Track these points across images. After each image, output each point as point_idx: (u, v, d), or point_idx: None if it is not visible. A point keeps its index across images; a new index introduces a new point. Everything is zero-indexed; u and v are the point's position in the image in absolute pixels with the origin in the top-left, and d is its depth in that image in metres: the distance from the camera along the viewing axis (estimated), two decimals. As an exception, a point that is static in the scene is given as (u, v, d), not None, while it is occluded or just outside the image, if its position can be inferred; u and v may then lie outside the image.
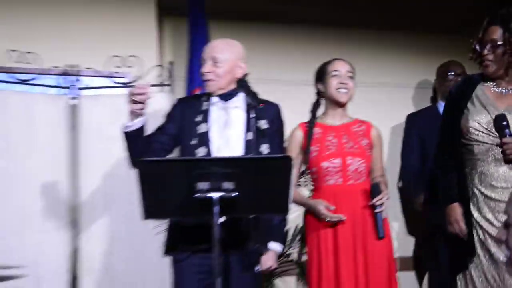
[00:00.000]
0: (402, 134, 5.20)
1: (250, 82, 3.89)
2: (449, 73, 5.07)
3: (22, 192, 4.51)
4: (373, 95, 5.51)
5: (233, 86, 3.90)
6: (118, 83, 4.84)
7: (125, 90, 4.64)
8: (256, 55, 4.83)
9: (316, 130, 4.02)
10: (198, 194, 3.13)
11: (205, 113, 3.99)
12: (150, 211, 3.37)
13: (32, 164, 4.58)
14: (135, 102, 3.62)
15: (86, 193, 4.71)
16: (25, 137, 4.66)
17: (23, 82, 4.78)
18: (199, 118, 3.96)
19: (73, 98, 4.80)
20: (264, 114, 3.91)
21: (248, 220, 3.86)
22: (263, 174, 3.26)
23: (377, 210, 3.83)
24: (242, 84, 3.79)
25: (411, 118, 5.22)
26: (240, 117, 3.94)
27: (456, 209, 3.66)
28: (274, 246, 3.87)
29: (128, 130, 3.71)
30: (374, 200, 3.82)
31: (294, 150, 4.11)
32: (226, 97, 3.92)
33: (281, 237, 3.94)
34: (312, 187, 4.17)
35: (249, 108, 3.90)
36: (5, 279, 3.74)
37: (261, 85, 4.04)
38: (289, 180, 3.29)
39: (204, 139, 3.95)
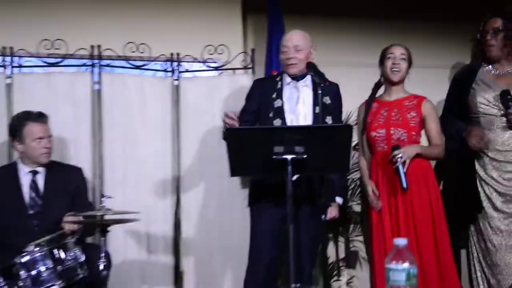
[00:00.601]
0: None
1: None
2: None
3: (138, 154, 4.62)
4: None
5: (304, 68, 3.75)
6: (211, 67, 4.89)
7: (216, 73, 5.00)
8: (322, 43, 4.64)
9: (374, 105, 3.88)
10: (275, 156, 3.15)
11: (280, 91, 3.92)
12: (236, 170, 3.45)
13: (145, 132, 4.68)
14: (227, 121, 3.70)
15: (186, 156, 4.75)
16: (139, 111, 4.73)
17: (137, 67, 4.83)
18: (274, 95, 3.91)
19: (176, 80, 4.83)
20: (327, 92, 3.80)
21: (315, 178, 3.80)
22: (328, 140, 3.27)
23: (395, 165, 3.65)
24: (311, 66, 3.62)
25: None
26: (308, 94, 3.88)
27: (471, 128, 3.64)
28: (337, 200, 3.80)
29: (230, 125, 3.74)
30: (390, 156, 3.67)
31: (359, 122, 4.01)
32: (298, 77, 3.85)
33: (343, 192, 3.86)
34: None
35: (316, 86, 3.73)
36: (124, 221, 3.80)
37: (329, 67, 3.93)
38: (349, 145, 3.30)
39: (279, 112, 3.90)
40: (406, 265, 1.92)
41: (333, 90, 3.92)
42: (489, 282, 3.55)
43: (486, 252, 3.57)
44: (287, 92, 3.90)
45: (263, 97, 3.96)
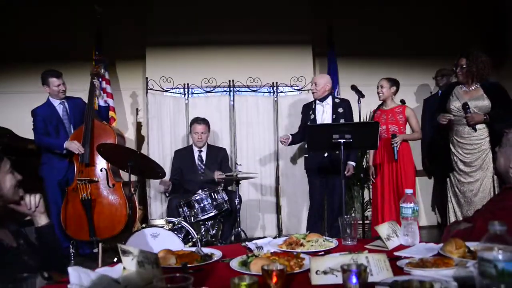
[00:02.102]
0: None
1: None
2: None
3: (254, 141, 4.84)
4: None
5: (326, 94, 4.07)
6: (295, 89, 5.10)
7: (298, 93, 5.02)
8: (362, 72, 4.97)
9: (378, 112, 4.02)
10: (333, 140, 3.23)
11: (314, 109, 4.08)
12: (311, 148, 3.60)
13: (259, 128, 4.88)
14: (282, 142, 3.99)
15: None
16: (255, 116, 4.95)
17: (254, 91, 5.05)
18: (311, 112, 4.11)
19: (275, 97, 4.98)
20: (341, 105, 3.99)
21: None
22: (364, 130, 3.32)
23: (393, 146, 3.79)
24: (353, 87, 3.86)
25: None
26: (329, 108, 4.02)
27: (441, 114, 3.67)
28: (351, 163, 3.99)
29: (284, 145, 4.03)
30: (392, 141, 3.82)
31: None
32: (321, 99, 4.05)
33: (355, 159, 4.03)
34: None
35: (334, 102, 3.99)
36: (248, 178, 4.02)
37: (365, 87, 4.04)
38: (377, 132, 3.35)
39: (313, 121, 4.04)
40: (412, 204, 1.83)
41: (345, 104, 4.08)
42: (456, 214, 3.50)
43: (456, 195, 3.52)
44: (317, 108, 4.11)
45: (305, 113, 4.22)
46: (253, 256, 1.62)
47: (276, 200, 4.94)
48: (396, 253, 1.64)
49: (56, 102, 4.09)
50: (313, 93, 4.08)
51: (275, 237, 2.01)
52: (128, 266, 1.30)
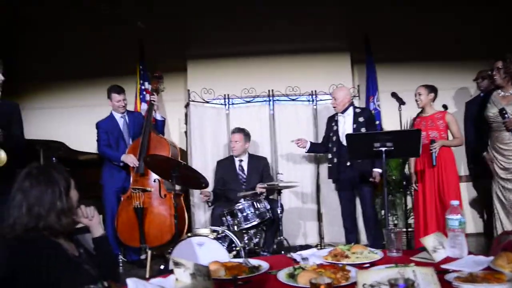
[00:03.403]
0: None
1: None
2: None
3: (294, 148, 4.57)
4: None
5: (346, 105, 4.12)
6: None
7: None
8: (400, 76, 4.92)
9: (417, 120, 3.97)
10: (374, 148, 3.21)
11: (336, 120, 4.16)
12: (352, 156, 3.59)
13: (298, 135, 4.50)
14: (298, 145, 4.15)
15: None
16: (294, 123, 4.93)
17: (293, 99, 5.05)
18: (333, 123, 4.18)
19: (315, 106, 4.98)
20: (362, 114, 4.02)
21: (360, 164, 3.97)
22: (405, 138, 3.29)
23: (431, 151, 3.75)
24: (393, 94, 3.88)
25: None
26: (350, 118, 4.05)
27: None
28: (378, 170, 3.95)
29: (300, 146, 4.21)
30: (430, 146, 3.76)
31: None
32: (343, 111, 4.10)
33: (380, 166, 3.85)
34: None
35: (354, 113, 4.06)
36: (290, 187, 4.13)
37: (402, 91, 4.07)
38: (419, 140, 3.27)
39: (335, 132, 4.11)
40: (458, 216, 1.81)
41: (366, 113, 4.12)
42: (502, 222, 3.62)
43: (501, 202, 3.45)
44: (339, 119, 4.18)
45: (329, 125, 4.28)
46: (299, 268, 1.64)
47: (317, 207, 4.90)
48: (443, 266, 1.60)
49: (117, 116, 4.30)
50: (334, 107, 4.11)
51: (316, 245, 2.03)
52: (180, 278, 1.34)
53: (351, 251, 1.85)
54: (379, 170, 3.93)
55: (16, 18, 5.22)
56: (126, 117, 4.35)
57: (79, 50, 5.26)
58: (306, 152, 4.49)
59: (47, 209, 1.66)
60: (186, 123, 5.17)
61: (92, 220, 1.85)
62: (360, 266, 1.67)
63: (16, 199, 1.69)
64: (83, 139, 4.70)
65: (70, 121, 5.20)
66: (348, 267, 1.60)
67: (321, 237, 4.84)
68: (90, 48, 5.21)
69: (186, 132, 5.19)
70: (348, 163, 3.94)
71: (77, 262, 1.69)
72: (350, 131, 4.01)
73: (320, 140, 4.76)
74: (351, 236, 4.12)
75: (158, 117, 4.41)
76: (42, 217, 1.65)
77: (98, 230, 1.87)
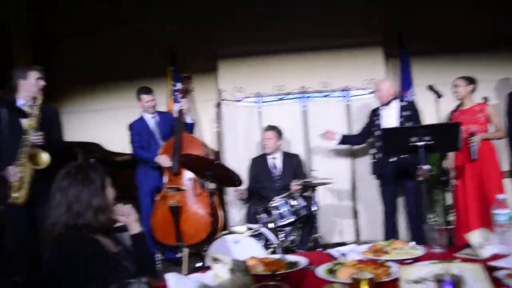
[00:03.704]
0: None
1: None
2: None
3: (327, 144, 4.71)
4: None
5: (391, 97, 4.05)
6: (367, 92, 4.85)
7: (371, 95, 4.74)
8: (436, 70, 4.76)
9: (456, 113, 3.86)
10: (411, 143, 3.11)
11: (378, 114, 4.10)
12: (388, 152, 3.59)
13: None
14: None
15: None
16: (326, 120, 4.79)
17: (325, 96, 4.95)
18: (376, 116, 4.11)
19: (347, 101, 4.88)
20: (407, 108, 3.92)
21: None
22: (444, 131, 3.18)
23: (470, 145, 3.65)
24: (430, 87, 3.71)
25: None
26: (394, 112, 3.97)
27: None
28: (425, 167, 3.61)
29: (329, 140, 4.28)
30: (469, 140, 3.67)
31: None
32: (387, 104, 4.03)
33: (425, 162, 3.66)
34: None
35: (399, 107, 3.97)
36: (325, 184, 3.90)
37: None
38: (458, 133, 3.16)
39: (378, 126, 4.05)
40: (506, 210, 1.77)
41: (412, 106, 4.01)
42: None
43: None
44: (382, 112, 4.13)
45: (371, 118, 4.24)
46: (339, 264, 1.62)
47: (353, 204, 4.85)
48: (491, 263, 1.54)
49: (148, 117, 4.36)
50: (378, 99, 4.04)
51: (353, 243, 1.99)
52: (219, 273, 1.36)
53: (391, 247, 1.82)
54: (428, 167, 3.69)
55: (50, 25, 5.33)
56: (157, 117, 4.40)
57: (112, 54, 5.28)
58: (338, 144, 4.41)
59: (84, 207, 1.70)
60: (217, 123, 5.18)
61: (129, 217, 1.87)
62: (401, 262, 1.63)
63: (55, 198, 1.74)
64: (117, 140, 4.76)
65: (105, 123, 5.28)
66: (389, 263, 1.57)
67: (357, 234, 4.79)
68: (122, 51, 5.23)
69: (218, 132, 5.18)
70: (394, 158, 3.79)
71: (116, 258, 1.72)
72: (394, 125, 3.88)
73: (352, 133, 4.70)
74: (392, 234, 3.99)
75: (188, 120, 4.41)
76: (80, 215, 1.70)
77: (135, 227, 1.89)
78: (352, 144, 4.52)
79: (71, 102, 5.53)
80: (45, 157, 3.13)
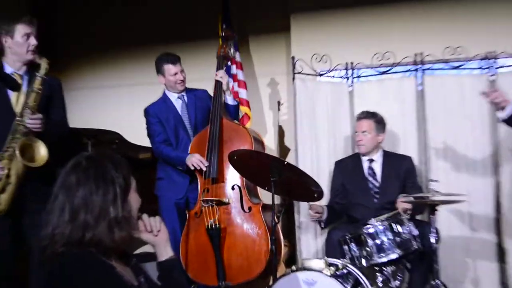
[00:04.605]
0: None
1: None
2: None
3: (458, 143, 4.55)
4: None
5: None
6: None
7: None
8: None
9: None
10: None
11: None
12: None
13: (464, 124, 4.57)
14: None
15: (504, 142, 4.45)
16: (458, 106, 4.63)
17: (455, 68, 4.75)
18: None
19: (492, 75, 4.60)
20: None
21: None
22: None
23: None
24: None
25: None
26: None
27: None
28: None
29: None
30: None
31: None
32: None
33: None
34: None
35: None
36: (450, 202, 3.75)
37: None
38: None
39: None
40: None
41: None
42: None
43: None
44: None
45: None
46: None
47: (497, 239, 4.46)
48: None
49: (173, 97, 4.22)
50: None
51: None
52: None
53: None
54: None
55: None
56: (186, 98, 4.27)
57: (135, 5, 5.47)
58: (505, 121, 3.82)
59: (96, 215, 1.67)
60: (287, 107, 5.09)
61: (157, 235, 1.86)
62: None
63: (57, 200, 1.72)
64: (142, 129, 4.59)
65: (127, 104, 5.35)
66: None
67: (504, 286, 4.42)
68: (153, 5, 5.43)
69: (286, 121, 5.15)
70: None
71: (134, 292, 1.78)
72: None
73: (502, 131, 4.37)
74: None
75: (229, 100, 4.25)
76: (89, 226, 1.66)
77: (166, 250, 1.88)
78: None
79: (79, 75, 5.67)
80: (43, 151, 3.10)
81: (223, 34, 4.52)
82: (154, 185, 4.23)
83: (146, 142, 4.58)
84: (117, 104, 5.55)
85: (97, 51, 5.77)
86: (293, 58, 4.87)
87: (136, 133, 4.73)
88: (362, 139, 4.15)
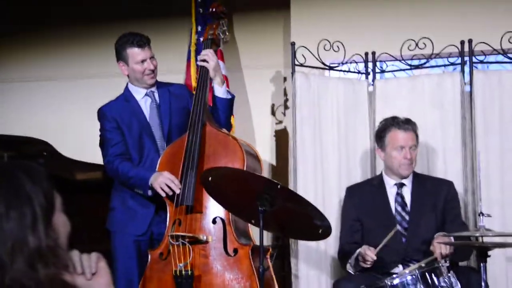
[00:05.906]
0: None
1: None
2: None
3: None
4: None
5: None
6: None
7: None
8: None
9: None
10: None
11: None
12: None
13: None
14: None
15: None
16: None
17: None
18: None
19: None
20: None
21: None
22: None
23: None
24: None
25: None
26: None
27: None
28: None
29: None
30: None
31: None
32: None
33: None
34: None
35: None
36: (508, 245, 3.71)
37: None
38: None
39: None
40: None
41: None
42: None
43: None
44: None
45: None
46: None
47: None
48: None
49: (139, 93, 4.22)
50: None
51: None
52: None
53: None
54: None
55: None
56: (156, 95, 4.27)
57: None
58: None
59: (9, 249, 1.63)
60: (284, 110, 5.18)
61: (94, 277, 1.82)
62: None
63: None
64: (86, 137, 4.72)
65: (64, 103, 5.34)
66: None
67: None
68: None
69: (282, 130, 5.21)
70: None
71: None
72: None
73: None
74: None
75: (220, 92, 4.22)
76: (4, 267, 1.61)
77: None
78: None
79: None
80: None
81: (213, 9, 4.40)
82: (101, 211, 4.19)
83: (89, 156, 4.77)
84: (48, 103, 5.52)
85: (23, 32, 5.79)
86: (292, 44, 4.88)
87: (76, 144, 4.85)
88: (412, 157, 4.08)
